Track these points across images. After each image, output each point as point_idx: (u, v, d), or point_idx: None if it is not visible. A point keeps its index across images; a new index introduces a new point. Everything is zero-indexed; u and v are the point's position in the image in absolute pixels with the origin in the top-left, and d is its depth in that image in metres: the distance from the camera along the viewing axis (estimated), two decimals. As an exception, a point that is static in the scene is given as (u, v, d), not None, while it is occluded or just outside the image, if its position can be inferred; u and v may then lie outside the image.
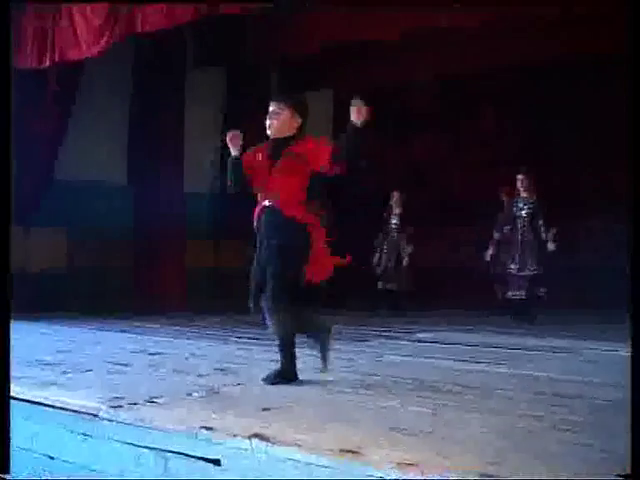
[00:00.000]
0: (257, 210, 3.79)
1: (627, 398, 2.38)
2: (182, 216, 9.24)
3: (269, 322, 3.68)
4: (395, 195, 8.99)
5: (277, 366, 3.75)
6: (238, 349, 5.25)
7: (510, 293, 7.60)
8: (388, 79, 9.97)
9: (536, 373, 4.19)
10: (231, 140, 3.78)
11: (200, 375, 3.97)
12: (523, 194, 7.63)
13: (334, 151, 3.59)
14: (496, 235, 7.81)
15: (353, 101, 3.51)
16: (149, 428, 2.83)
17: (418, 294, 8.87)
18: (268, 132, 3.77)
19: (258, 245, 3.78)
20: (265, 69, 10.15)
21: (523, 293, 7.47)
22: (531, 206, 7.55)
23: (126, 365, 4.32)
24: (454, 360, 4.75)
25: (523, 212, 7.58)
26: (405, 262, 8.70)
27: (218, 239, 10.04)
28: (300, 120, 3.77)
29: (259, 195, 3.80)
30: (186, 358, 4.72)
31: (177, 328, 6.71)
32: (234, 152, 3.79)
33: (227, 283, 9.67)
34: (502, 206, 8.71)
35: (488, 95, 10.51)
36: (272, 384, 3.64)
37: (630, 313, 2.43)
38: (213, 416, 2.92)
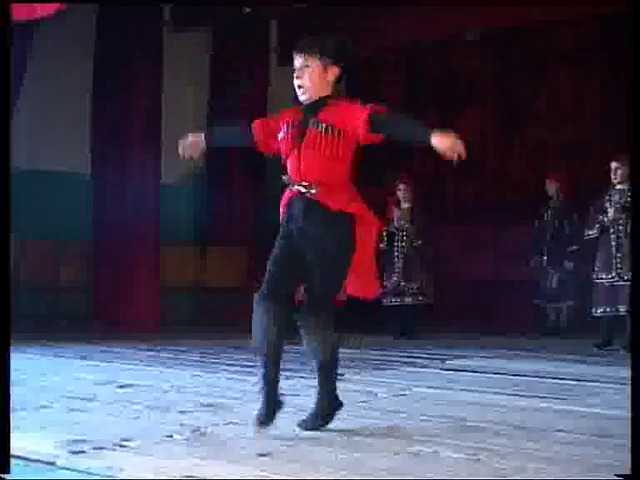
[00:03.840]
0: (287, 195, 3.58)
1: None
2: (157, 216, 9.22)
3: (309, 339, 3.51)
4: (402, 186, 8.77)
5: (316, 403, 3.57)
6: (228, 380, 5.22)
7: (599, 310, 7.45)
8: (426, 35, 9.85)
9: (603, 411, 4.16)
10: (189, 146, 3.70)
11: (182, 412, 3.94)
12: (618, 185, 7.49)
13: (376, 111, 3.39)
14: (591, 234, 7.60)
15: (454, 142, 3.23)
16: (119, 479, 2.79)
17: (458, 313, 8.82)
18: (301, 98, 3.56)
19: (288, 234, 3.56)
20: (262, 21, 10.16)
21: (621, 308, 7.25)
22: (629, 198, 7.24)
23: (90, 400, 4.28)
24: (498, 394, 4.71)
25: (619, 206, 7.35)
26: (420, 267, 8.62)
27: (204, 245, 10.00)
28: (337, 69, 3.53)
29: (289, 174, 3.59)
30: (165, 391, 4.68)
31: (152, 354, 6.69)
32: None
33: (215, 301, 9.64)
34: (548, 199, 8.83)
35: (559, 55, 10.37)
36: (317, 428, 3.53)
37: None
38: (199, 463, 2.88)
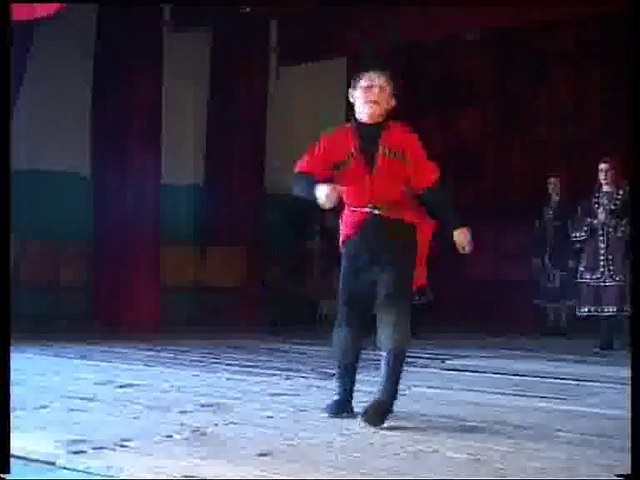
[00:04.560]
0: (357, 217, 3.77)
1: None
2: (157, 216, 9.21)
3: (386, 324, 3.67)
4: None
5: (382, 397, 3.70)
6: (228, 379, 5.21)
7: (584, 309, 7.44)
8: (426, 35, 9.83)
9: (603, 410, 4.16)
10: (328, 196, 3.58)
11: (182, 412, 3.94)
12: (606, 187, 7.50)
13: (434, 182, 3.79)
14: (579, 236, 7.67)
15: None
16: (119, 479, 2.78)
17: (458, 313, 8.77)
18: (365, 115, 3.73)
19: (357, 259, 3.78)
20: (262, 21, 10.15)
21: (612, 309, 7.30)
22: (617, 202, 7.38)
23: (90, 400, 4.27)
24: (497, 393, 4.72)
25: (608, 209, 7.38)
26: None
27: (204, 245, 9.99)
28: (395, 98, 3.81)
29: (350, 196, 3.77)
30: (165, 391, 4.68)
31: (152, 354, 6.68)
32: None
33: (215, 301, 9.63)
34: (548, 198, 8.88)
35: (559, 55, 10.36)
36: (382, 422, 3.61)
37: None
38: (199, 463, 2.88)
